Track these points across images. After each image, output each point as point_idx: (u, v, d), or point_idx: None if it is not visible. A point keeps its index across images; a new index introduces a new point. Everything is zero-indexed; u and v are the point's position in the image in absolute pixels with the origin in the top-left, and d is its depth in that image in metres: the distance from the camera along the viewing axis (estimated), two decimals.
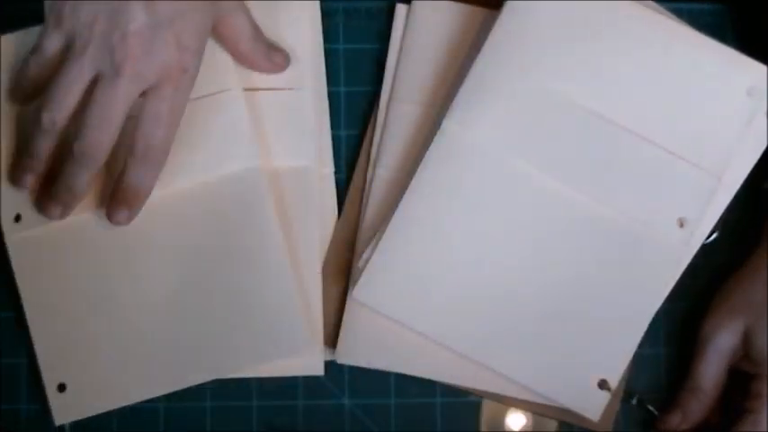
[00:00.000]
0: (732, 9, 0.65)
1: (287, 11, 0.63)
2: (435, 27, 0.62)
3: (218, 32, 0.58)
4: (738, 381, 0.58)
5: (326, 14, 0.63)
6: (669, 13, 0.61)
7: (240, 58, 0.60)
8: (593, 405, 0.58)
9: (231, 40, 0.59)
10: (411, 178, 0.59)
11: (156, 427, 0.60)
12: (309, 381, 0.61)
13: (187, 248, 0.59)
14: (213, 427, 0.60)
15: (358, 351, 0.59)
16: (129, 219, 0.57)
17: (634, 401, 0.61)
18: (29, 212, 0.59)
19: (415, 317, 0.58)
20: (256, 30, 0.60)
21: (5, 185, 0.59)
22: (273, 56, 0.61)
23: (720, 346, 0.57)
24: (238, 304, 0.59)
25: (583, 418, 0.58)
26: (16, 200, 0.59)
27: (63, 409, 0.59)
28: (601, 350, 0.58)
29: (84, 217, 0.59)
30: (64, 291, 0.59)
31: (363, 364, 0.60)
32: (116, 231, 0.59)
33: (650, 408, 0.60)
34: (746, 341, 0.57)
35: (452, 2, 0.62)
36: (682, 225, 0.58)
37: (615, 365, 0.58)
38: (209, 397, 0.60)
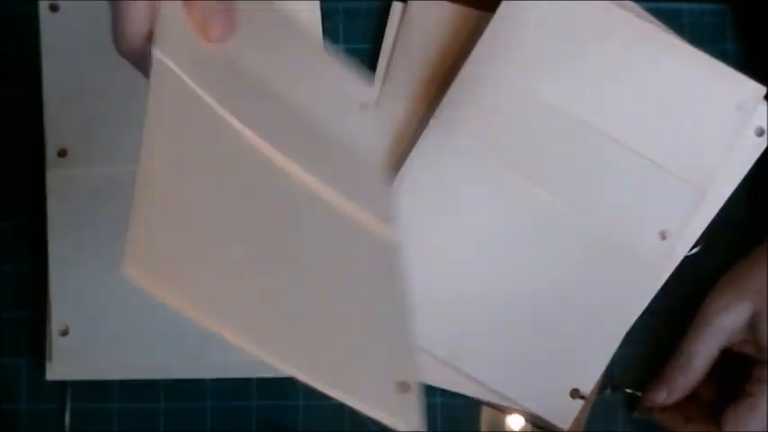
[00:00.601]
0: (733, 9, 0.65)
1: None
2: (430, 26, 0.62)
3: None
4: (740, 363, 0.58)
5: (326, 14, 0.63)
6: (662, 24, 0.60)
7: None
8: (565, 413, 0.58)
9: None
10: (395, 175, 0.59)
11: (156, 427, 0.60)
12: None
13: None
14: (213, 427, 0.60)
15: None
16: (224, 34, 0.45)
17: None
18: (75, 149, 0.59)
19: None
20: None
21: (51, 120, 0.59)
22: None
23: (721, 328, 0.57)
24: None
25: (552, 424, 0.59)
26: (63, 134, 0.59)
27: (62, 357, 0.58)
28: (576, 359, 0.58)
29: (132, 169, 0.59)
30: (93, 239, 0.59)
31: None
32: None
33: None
34: (753, 327, 0.57)
35: (449, 2, 0.62)
36: (663, 237, 0.58)
37: (589, 375, 0.58)
38: (209, 397, 0.61)
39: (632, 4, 0.60)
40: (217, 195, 0.42)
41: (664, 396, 0.58)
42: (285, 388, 0.61)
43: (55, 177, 0.59)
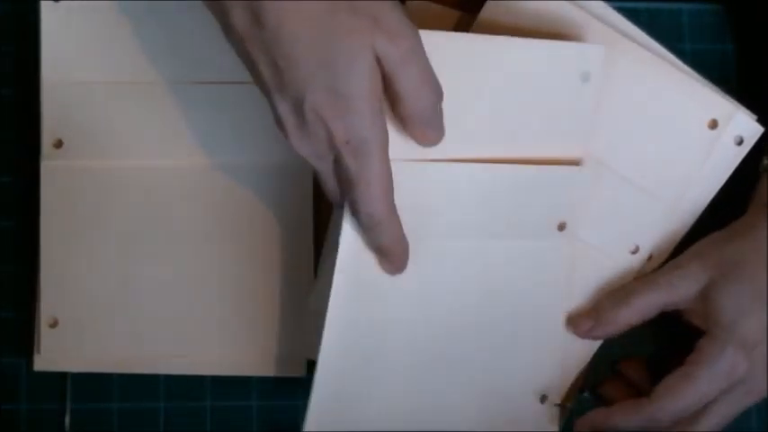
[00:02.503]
0: (731, 9, 0.65)
1: None
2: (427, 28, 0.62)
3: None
4: (681, 341, 0.58)
5: None
6: (629, 22, 0.60)
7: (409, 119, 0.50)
8: (537, 419, 0.58)
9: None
10: None
11: (156, 427, 0.60)
12: (309, 381, 0.60)
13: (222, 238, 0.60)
14: (213, 427, 0.60)
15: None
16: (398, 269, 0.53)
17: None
18: (71, 141, 0.59)
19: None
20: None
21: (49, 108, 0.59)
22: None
23: (676, 287, 0.57)
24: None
25: None
26: (59, 125, 0.59)
27: (50, 349, 0.58)
28: (546, 370, 0.58)
29: (132, 164, 0.60)
30: (84, 231, 0.59)
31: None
32: (157, 190, 0.59)
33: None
34: (705, 297, 0.56)
35: (445, 7, 0.62)
36: (634, 252, 0.59)
37: (559, 384, 0.58)
38: (209, 397, 0.61)
39: (603, 4, 0.60)
40: None
41: (589, 325, 0.58)
42: (285, 388, 0.61)
43: (49, 168, 0.59)
